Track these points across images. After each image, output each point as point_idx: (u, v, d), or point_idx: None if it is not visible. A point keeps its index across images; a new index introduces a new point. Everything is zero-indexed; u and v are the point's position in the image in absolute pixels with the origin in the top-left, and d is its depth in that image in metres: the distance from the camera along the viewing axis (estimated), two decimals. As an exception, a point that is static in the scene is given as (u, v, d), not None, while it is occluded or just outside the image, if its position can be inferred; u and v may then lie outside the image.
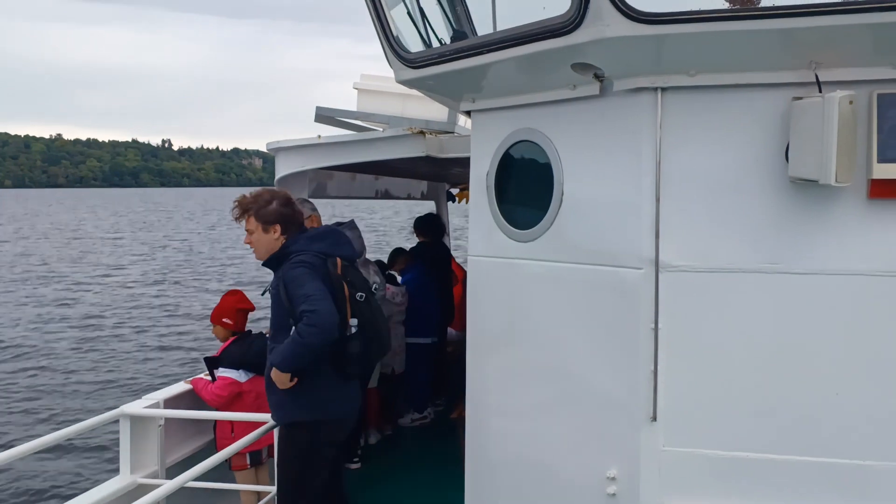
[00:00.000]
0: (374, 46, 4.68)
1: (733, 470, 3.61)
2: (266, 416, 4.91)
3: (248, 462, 5.90)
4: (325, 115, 7.17)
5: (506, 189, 4.37)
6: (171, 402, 5.80)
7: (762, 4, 4.00)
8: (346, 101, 7.35)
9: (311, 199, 6.71)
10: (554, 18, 3.56)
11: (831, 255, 3.48)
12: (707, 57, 3.47)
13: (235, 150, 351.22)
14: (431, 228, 8.88)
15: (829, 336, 3.51)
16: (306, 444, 4.54)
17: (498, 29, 4.35)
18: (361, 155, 6.51)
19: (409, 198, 11.16)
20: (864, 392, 3.49)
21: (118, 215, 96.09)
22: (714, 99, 3.57)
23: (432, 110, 6.29)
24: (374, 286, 4.87)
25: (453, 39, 4.62)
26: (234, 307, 6.21)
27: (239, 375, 5.81)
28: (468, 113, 4.71)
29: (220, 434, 5.86)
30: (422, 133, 6.09)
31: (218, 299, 6.61)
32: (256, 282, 29.30)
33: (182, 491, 4.44)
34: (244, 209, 4.63)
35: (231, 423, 5.75)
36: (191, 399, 5.99)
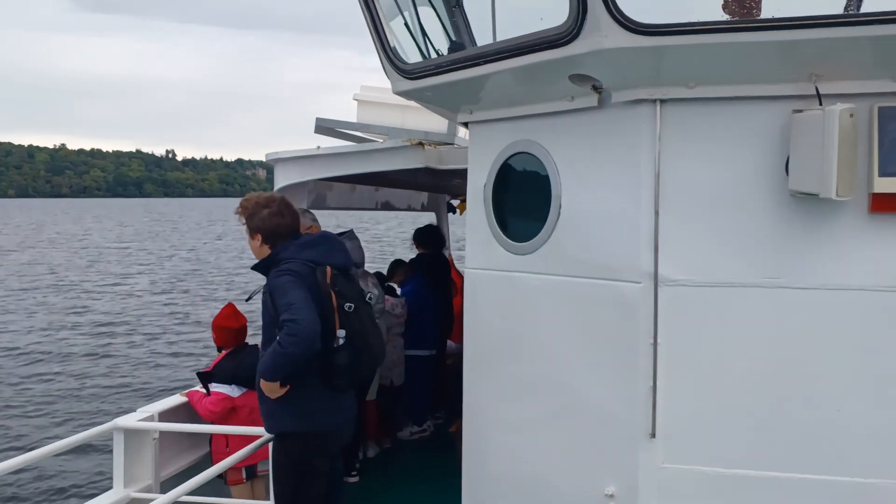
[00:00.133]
0: (376, 58, 4.67)
1: (733, 488, 3.56)
2: (261, 430, 4.85)
3: (244, 476, 5.84)
4: (324, 127, 7.15)
5: (503, 201, 4.34)
6: (166, 415, 5.74)
7: (762, 16, 3.98)
8: (349, 112, 7.34)
9: (311, 210, 6.68)
10: (552, 29, 3.54)
11: (832, 269, 3.44)
12: (706, 69, 3.44)
13: (239, 161, 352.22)
14: (431, 240, 8.84)
15: (831, 352, 3.46)
16: (298, 454, 4.49)
17: (498, 39, 4.33)
18: (360, 166, 6.49)
19: (409, 209, 11.13)
20: (866, 408, 3.44)
21: (124, 225, 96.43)
22: (713, 111, 3.54)
23: (432, 121, 6.27)
24: (368, 297, 4.78)
25: (451, 50, 4.60)
26: (217, 324, 6.14)
27: (231, 390, 5.75)
28: (466, 124, 4.69)
29: (216, 448, 5.80)
30: (421, 144, 6.07)
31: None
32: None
33: None
34: (242, 212, 4.64)
35: (226, 437, 5.69)
36: (186, 412, 5.93)
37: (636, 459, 3.66)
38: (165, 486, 5.45)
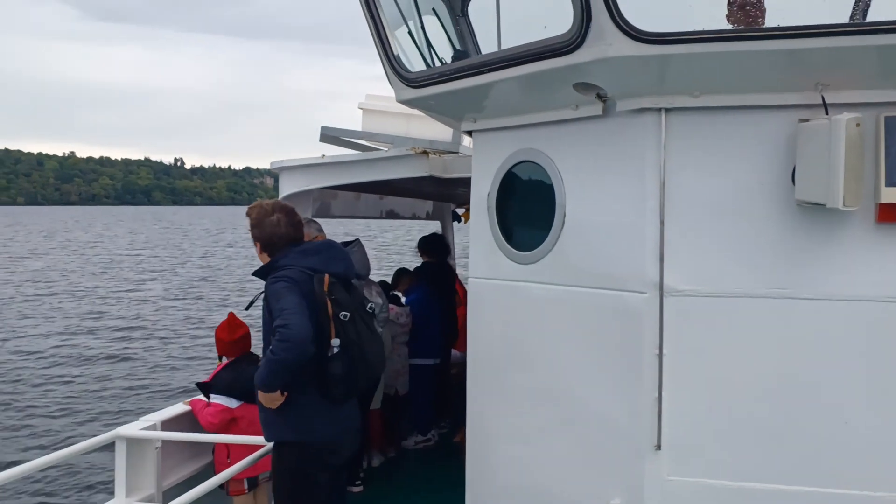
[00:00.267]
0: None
1: (740, 501, 3.51)
2: (263, 440, 4.82)
3: (245, 487, 5.81)
4: (329, 135, 7.15)
5: (507, 210, 4.32)
6: (168, 424, 5.72)
7: (767, 25, 3.95)
8: (356, 120, 7.34)
9: (316, 220, 6.66)
10: (556, 37, 3.52)
11: (839, 280, 3.40)
12: (712, 78, 3.41)
13: (247, 169, 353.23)
14: (436, 248, 8.82)
15: (838, 363, 3.42)
16: (294, 464, 4.45)
17: (503, 47, 4.31)
18: (365, 175, 6.48)
19: (414, 217, 11.12)
20: (873, 421, 3.39)
21: (135, 233, 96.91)
22: (719, 120, 3.51)
23: (437, 130, 6.26)
24: (370, 307, 4.73)
25: (454, 59, 4.59)
26: (215, 334, 6.13)
27: (229, 402, 5.72)
28: (470, 133, 4.67)
29: (218, 458, 5.77)
30: (425, 153, 6.05)
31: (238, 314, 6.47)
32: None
33: None
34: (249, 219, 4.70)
35: (227, 448, 5.66)
36: (189, 421, 5.91)
37: (641, 471, 3.62)
38: (168, 496, 5.42)
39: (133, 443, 5.34)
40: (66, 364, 20.85)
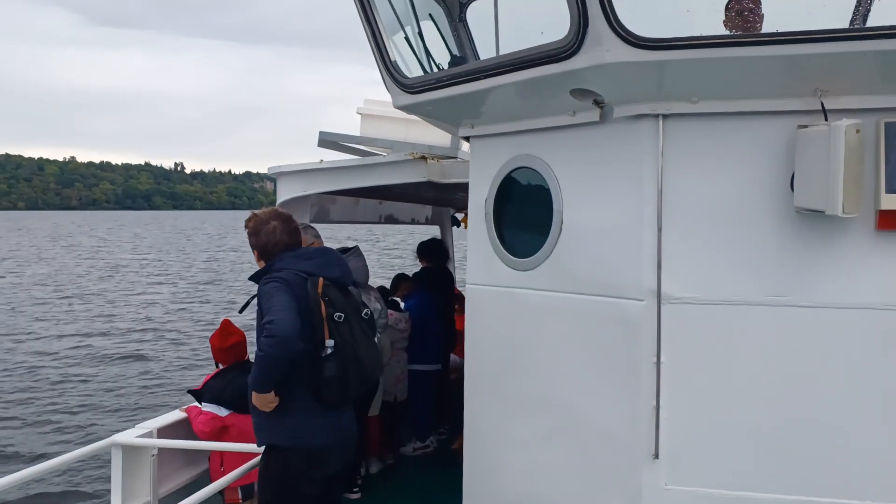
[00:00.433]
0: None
1: None
2: (256, 448, 4.79)
3: (240, 496, 5.76)
4: (328, 140, 7.12)
5: (505, 216, 4.30)
6: (164, 431, 5.69)
7: (766, 30, 3.93)
8: (357, 126, 7.32)
9: (313, 225, 6.64)
10: (552, 43, 3.50)
11: (839, 287, 3.38)
12: (710, 84, 3.39)
13: (247, 174, 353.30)
14: (435, 253, 8.78)
15: (838, 372, 3.39)
16: (281, 468, 4.40)
17: (502, 53, 4.30)
18: (363, 180, 6.46)
19: (413, 222, 11.09)
20: (873, 430, 3.37)
21: (139, 237, 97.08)
22: (717, 126, 3.49)
23: (435, 135, 6.23)
24: (365, 312, 4.69)
25: (451, 64, 4.57)
26: (210, 342, 6.09)
27: (219, 410, 5.69)
28: (468, 138, 4.65)
29: (213, 467, 5.74)
30: (423, 158, 6.03)
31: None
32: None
33: None
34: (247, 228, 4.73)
35: (221, 456, 5.63)
36: (185, 428, 5.87)
37: (639, 481, 3.59)
38: (164, 503, 5.39)
39: (129, 450, 5.31)
40: (82, 364, 21.12)
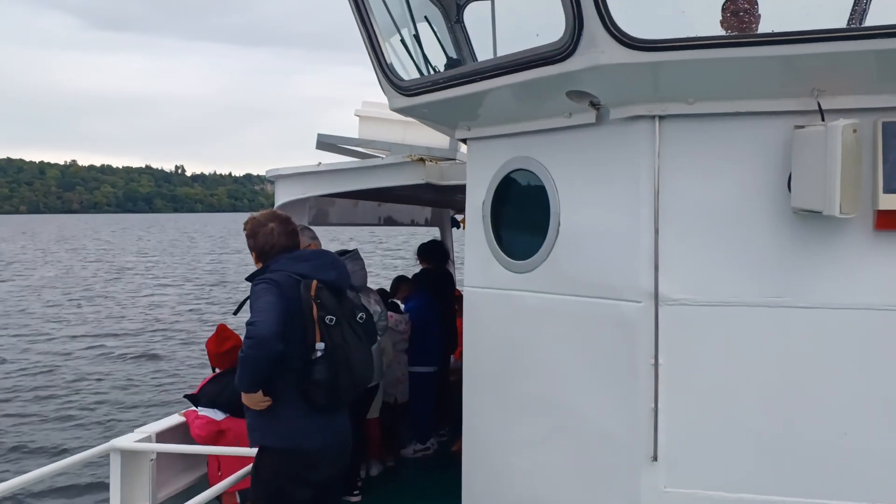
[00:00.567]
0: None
1: None
2: (254, 452, 4.77)
3: (238, 501, 5.75)
4: (326, 143, 7.11)
5: (502, 219, 4.29)
6: (163, 436, 5.68)
7: (762, 31, 3.92)
8: (355, 127, 7.31)
9: (311, 227, 6.62)
10: (548, 45, 3.49)
11: (837, 288, 3.36)
12: (706, 84, 3.38)
13: (248, 176, 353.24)
14: (435, 254, 8.77)
15: (836, 373, 3.38)
16: (273, 470, 4.38)
17: (499, 55, 4.29)
18: (361, 182, 6.45)
19: (412, 224, 11.07)
20: (873, 431, 3.35)
21: (143, 240, 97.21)
22: (713, 127, 3.48)
23: (434, 137, 6.22)
24: (360, 316, 4.67)
25: (447, 67, 4.56)
26: (206, 346, 6.07)
27: (215, 414, 5.69)
28: (464, 141, 4.64)
29: (211, 471, 5.73)
30: (422, 160, 6.02)
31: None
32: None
33: None
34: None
35: (218, 461, 5.62)
36: (183, 432, 5.86)
37: (637, 483, 3.58)
38: None
39: (128, 455, 5.30)
40: (96, 364, 21.29)
